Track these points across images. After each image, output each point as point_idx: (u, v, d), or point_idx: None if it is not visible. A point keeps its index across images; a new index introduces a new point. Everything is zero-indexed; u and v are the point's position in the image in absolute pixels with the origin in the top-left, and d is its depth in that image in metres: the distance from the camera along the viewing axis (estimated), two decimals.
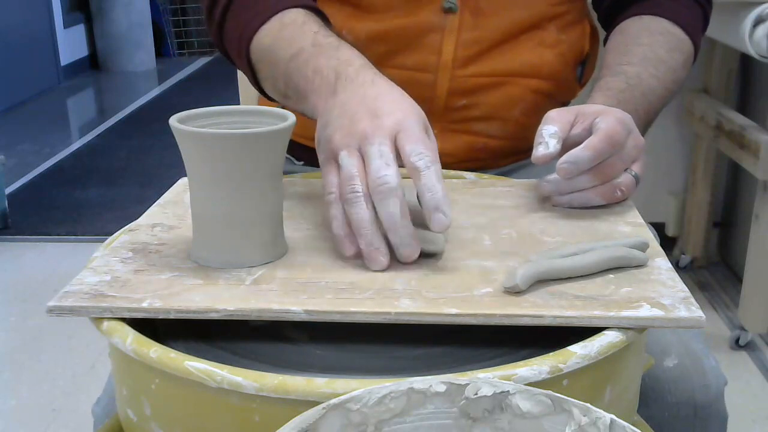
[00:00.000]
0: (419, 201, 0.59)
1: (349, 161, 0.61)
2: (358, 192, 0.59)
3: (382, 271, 0.59)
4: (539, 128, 0.71)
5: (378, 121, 0.62)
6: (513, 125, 0.92)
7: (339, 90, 0.67)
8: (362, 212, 0.59)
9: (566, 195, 0.71)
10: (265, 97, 0.84)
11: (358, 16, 0.88)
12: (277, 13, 0.78)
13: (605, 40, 0.94)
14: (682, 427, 0.77)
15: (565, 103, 0.98)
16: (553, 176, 0.71)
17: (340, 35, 0.85)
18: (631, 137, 0.71)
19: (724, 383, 0.80)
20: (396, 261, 0.60)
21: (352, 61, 0.69)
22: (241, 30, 0.80)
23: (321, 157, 0.65)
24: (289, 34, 0.75)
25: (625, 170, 0.71)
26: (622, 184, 0.71)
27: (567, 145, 0.70)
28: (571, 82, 0.96)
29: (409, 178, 0.60)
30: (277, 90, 0.78)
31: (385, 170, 0.59)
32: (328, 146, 0.64)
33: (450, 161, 0.90)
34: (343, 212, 0.61)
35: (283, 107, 0.78)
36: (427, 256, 0.61)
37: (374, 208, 0.59)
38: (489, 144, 0.93)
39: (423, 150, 0.60)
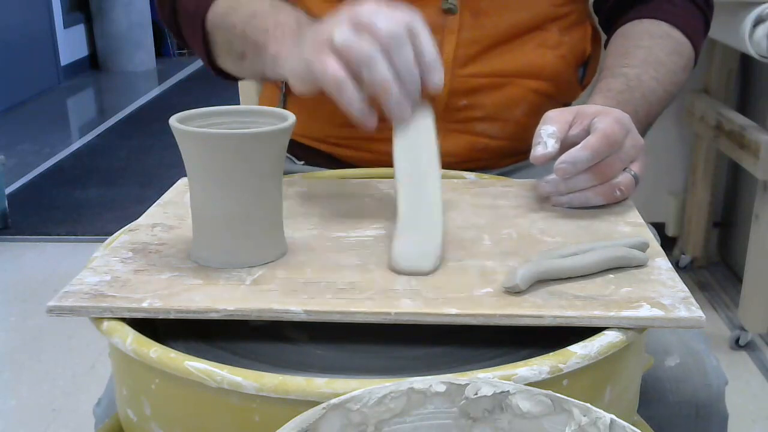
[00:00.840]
0: (416, 59, 0.61)
1: (349, 34, 0.61)
2: (376, 50, 0.60)
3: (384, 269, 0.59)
4: (538, 128, 0.71)
5: (356, 6, 0.63)
6: (514, 126, 0.92)
7: (303, 30, 0.69)
8: (384, 71, 0.60)
9: (566, 195, 0.71)
10: (216, 72, 0.87)
11: None
12: None
13: (606, 43, 0.94)
14: (684, 426, 0.77)
15: (566, 105, 0.98)
16: (552, 176, 0.71)
17: None
18: (630, 137, 0.71)
19: (725, 383, 0.80)
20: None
21: (309, 16, 0.73)
22: (196, 2, 0.83)
23: (306, 67, 0.65)
24: (246, 1, 0.79)
25: (625, 170, 0.71)
26: (622, 184, 0.71)
27: (566, 145, 0.70)
28: (572, 83, 0.96)
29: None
30: (233, 53, 0.81)
31: (392, 22, 0.60)
32: (313, 45, 0.64)
33: (451, 161, 0.90)
34: (356, 88, 0.62)
35: (230, 77, 0.85)
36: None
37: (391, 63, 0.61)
38: (490, 144, 0.93)
39: (411, 12, 0.62)
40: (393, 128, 0.67)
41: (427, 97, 0.90)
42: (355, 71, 0.62)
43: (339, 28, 0.62)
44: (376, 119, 0.63)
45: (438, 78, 0.63)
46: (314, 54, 0.64)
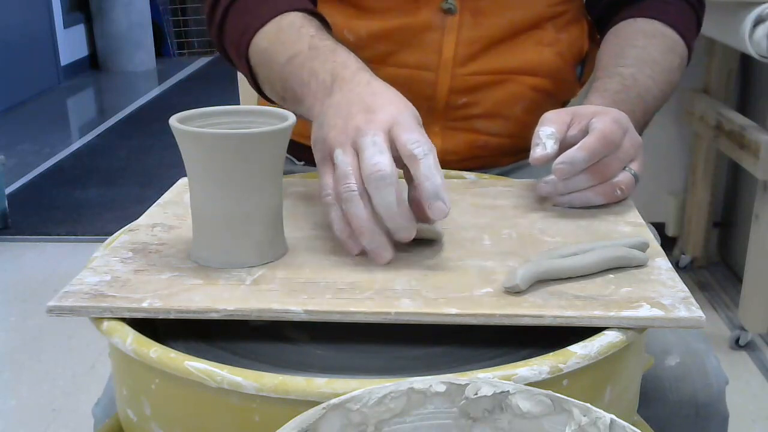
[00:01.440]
0: (418, 190, 0.59)
1: (344, 159, 0.60)
2: (354, 190, 0.59)
3: (386, 264, 0.59)
4: (536, 129, 0.72)
5: (371, 116, 0.62)
6: (514, 123, 0.92)
7: (335, 91, 0.67)
8: (359, 210, 0.59)
9: (566, 195, 0.72)
10: (265, 98, 0.84)
11: (359, 15, 0.89)
12: (275, 16, 0.78)
13: (599, 43, 0.94)
14: (684, 426, 0.77)
15: (565, 102, 0.98)
16: (551, 177, 0.71)
17: (341, 34, 0.85)
18: (628, 136, 0.71)
19: (726, 382, 0.80)
20: (396, 261, 0.60)
21: (348, 64, 0.69)
22: (240, 32, 0.80)
23: (317, 158, 0.65)
24: (286, 38, 0.76)
25: (624, 169, 0.71)
26: (622, 183, 0.71)
27: (564, 145, 0.70)
28: (570, 81, 0.96)
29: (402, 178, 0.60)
30: (275, 92, 0.79)
31: (378, 157, 0.58)
32: (323, 146, 0.64)
33: (451, 159, 0.90)
34: (342, 213, 0.60)
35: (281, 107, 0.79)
36: (426, 243, 0.61)
37: (371, 202, 0.59)
38: (490, 142, 0.93)
39: (419, 138, 0.59)
40: None
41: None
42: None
43: (339, 148, 0.61)
44: (358, 247, 0.60)
45: (438, 209, 0.58)
46: (321, 160, 0.64)
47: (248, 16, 0.80)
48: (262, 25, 0.78)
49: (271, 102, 0.83)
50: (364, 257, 0.61)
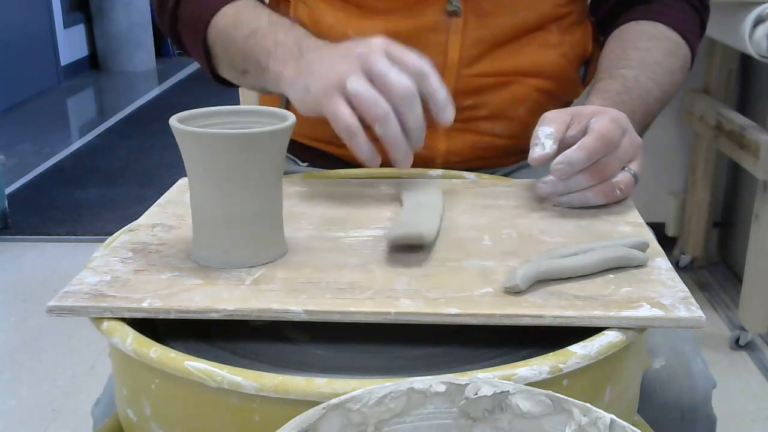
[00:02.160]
0: (430, 100, 0.67)
1: (364, 86, 0.65)
2: (387, 109, 0.65)
3: (385, 264, 0.59)
4: (535, 130, 0.72)
5: (367, 44, 0.67)
6: (518, 124, 0.92)
7: (305, 53, 0.72)
8: (396, 127, 0.65)
9: (566, 195, 0.71)
10: (217, 80, 0.88)
11: (364, 16, 0.89)
12: (230, 1, 0.84)
13: (602, 44, 0.94)
14: (670, 429, 0.76)
15: (568, 103, 0.98)
16: (550, 177, 0.71)
17: (345, 33, 0.86)
18: (627, 136, 0.71)
19: (713, 386, 0.79)
20: (396, 261, 0.60)
21: (309, 36, 0.75)
22: (197, 14, 0.85)
23: (311, 105, 0.69)
24: (245, 16, 0.81)
25: (623, 169, 0.71)
26: (621, 183, 0.71)
27: (563, 146, 0.70)
28: (574, 82, 0.96)
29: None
30: (234, 67, 0.82)
31: (402, 77, 0.65)
32: (326, 82, 0.67)
33: (456, 160, 0.90)
34: (367, 137, 0.66)
35: (230, 84, 0.87)
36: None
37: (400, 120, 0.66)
38: (494, 143, 0.93)
39: (419, 57, 0.66)
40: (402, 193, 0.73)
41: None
42: (367, 121, 0.66)
43: (353, 76, 0.65)
44: (379, 160, 0.68)
45: (449, 115, 0.68)
46: (325, 95, 0.67)
47: (203, 3, 0.85)
48: (220, 7, 0.83)
49: (227, 84, 0.88)
50: (362, 258, 0.61)
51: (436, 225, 0.65)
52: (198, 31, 0.84)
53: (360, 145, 0.67)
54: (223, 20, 0.82)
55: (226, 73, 0.85)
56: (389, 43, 0.68)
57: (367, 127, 0.67)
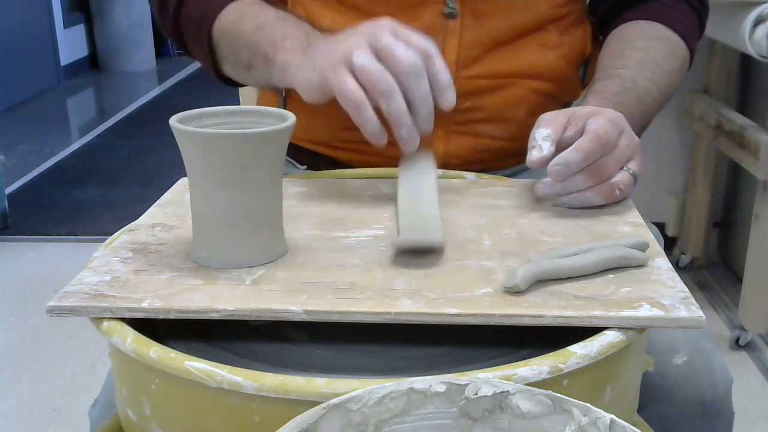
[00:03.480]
0: (433, 81, 0.66)
1: (370, 60, 0.65)
2: (394, 85, 0.64)
3: (386, 263, 0.59)
4: (532, 132, 0.72)
5: (374, 23, 0.68)
6: (516, 126, 0.92)
7: (312, 42, 0.72)
8: (401, 103, 0.65)
9: (565, 196, 0.72)
10: (220, 79, 0.87)
11: (361, 18, 0.88)
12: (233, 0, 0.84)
13: (601, 45, 0.94)
14: (691, 424, 0.77)
15: (568, 104, 0.98)
16: (549, 179, 0.71)
17: None
18: (624, 136, 0.71)
19: (731, 382, 0.80)
20: (396, 261, 0.60)
21: (316, 30, 0.76)
22: (202, 11, 0.84)
23: (321, 78, 0.68)
24: (252, 12, 0.81)
25: (622, 169, 0.71)
26: (621, 183, 0.71)
27: (561, 147, 0.70)
28: (573, 83, 0.96)
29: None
30: (239, 63, 0.82)
31: (409, 52, 0.65)
32: (331, 59, 0.67)
33: (455, 163, 0.90)
34: (371, 111, 0.65)
35: (240, 85, 0.88)
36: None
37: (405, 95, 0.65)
38: (493, 145, 0.93)
39: (424, 38, 0.66)
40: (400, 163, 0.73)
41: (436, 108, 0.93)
42: (372, 96, 0.66)
43: (359, 51, 0.65)
44: (386, 137, 0.67)
45: (451, 98, 0.67)
46: (331, 69, 0.67)
47: (206, 3, 0.85)
48: (223, 6, 0.83)
49: (229, 83, 0.88)
50: (362, 258, 0.61)
51: (439, 222, 0.64)
52: (202, 30, 0.84)
53: (366, 118, 0.66)
54: (228, 17, 0.82)
55: (230, 70, 0.85)
56: (395, 23, 0.68)
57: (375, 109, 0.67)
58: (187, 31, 0.87)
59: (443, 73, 0.67)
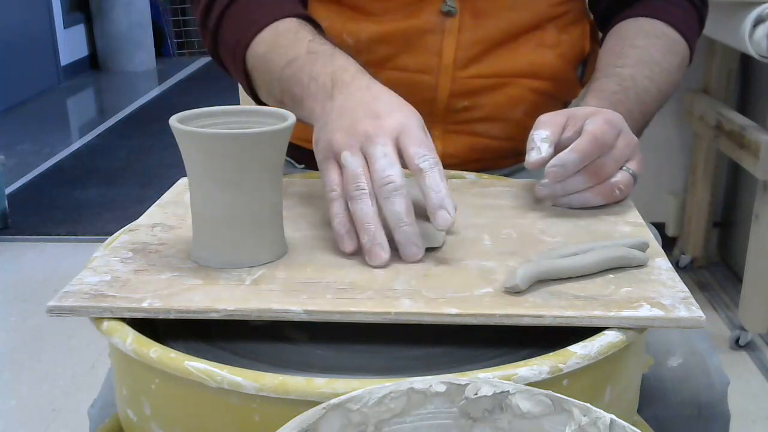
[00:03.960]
0: (424, 200, 0.61)
1: (353, 160, 0.62)
2: (364, 189, 0.61)
3: (382, 267, 0.59)
4: (531, 133, 0.72)
5: (379, 122, 0.63)
6: (515, 126, 0.92)
7: (336, 94, 0.68)
8: (366, 207, 0.60)
9: (565, 196, 0.72)
10: (260, 104, 0.84)
11: (358, 18, 0.88)
12: (272, 22, 0.79)
13: (601, 42, 0.94)
14: (686, 426, 0.77)
15: (566, 103, 0.98)
16: (548, 180, 0.71)
17: (340, 38, 0.84)
18: (622, 136, 0.71)
19: (728, 383, 0.80)
20: (396, 260, 0.60)
21: (347, 67, 0.71)
22: (236, 39, 0.81)
23: (319, 157, 0.66)
24: (284, 42, 0.77)
25: (622, 169, 0.71)
26: (620, 183, 0.71)
27: (560, 148, 0.70)
28: (572, 81, 0.96)
29: (410, 176, 0.61)
30: (273, 96, 0.79)
31: (390, 169, 0.60)
32: (328, 146, 0.65)
33: (452, 162, 0.90)
34: (345, 209, 0.62)
35: None
36: (427, 250, 0.61)
37: (378, 206, 0.61)
38: (491, 145, 0.93)
39: (426, 152, 0.62)
40: None
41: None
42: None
43: (347, 151, 0.63)
44: (353, 245, 0.61)
45: (441, 219, 0.60)
46: (324, 158, 0.65)
47: (244, 22, 0.81)
48: (259, 31, 0.79)
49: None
50: (362, 258, 0.61)
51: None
52: (236, 58, 0.81)
53: (334, 213, 0.62)
54: (260, 47, 0.79)
55: (265, 99, 0.82)
56: (407, 126, 0.63)
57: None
58: (224, 56, 0.85)
59: (434, 193, 0.60)
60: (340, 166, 0.63)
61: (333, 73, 0.70)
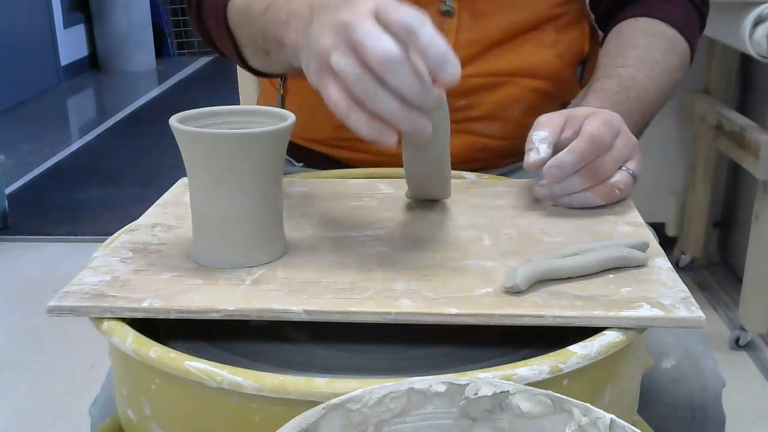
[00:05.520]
0: (424, 60, 0.56)
1: (346, 61, 0.57)
2: (370, 87, 0.56)
3: (385, 263, 0.59)
4: (530, 134, 0.72)
5: (353, 8, 0.58)
6: (513, 125, 0.92)
7: (314, 18, 0.64)
8: (388, 103, 0.56)
9: (565, 197, 0.72)
10: (251, 71, 0.83)
11: None
12: None
13: (601, 42, 0.94)
14: (680, 428, 0.77)
15: (565, 103, 0.98)
16: (546, 180, 0.71)
17: None
18: (621, 136, 0.71)
19: (722, 385, 0.79)
20: (396, 261, 0.60)
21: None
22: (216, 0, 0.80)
23: (313, 79, 0.61)
24: None
25: (621, 169, 0.71)
26: (620, 183, 0.71)
27: (558, 148, 0.70)
28: (571, 82, 0.96)
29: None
30: (258, 49, 0.77)
31: (381, 42, 0.55)
32: (317, 59, 0.60)
33: (451, 162, 0.90)
34: (364, 114, 0.57)
35: (265, 74, 0.82)
36: (427, 239, 0.61)
37: (389, 86, 0.56)
38: (489, 144, 0.93)
39: (409, 12, 0.56)
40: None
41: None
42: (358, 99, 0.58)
43: (336, 51, 0.58)
44: (394, 136, 0.58)
45: (450, 70, 0.56)
46: (317, 76, 0.60)
47: None
48: None
49: (258, 74, 0.83)
50: (362, 258, 0.61)
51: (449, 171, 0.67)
52: (219, 17, 0.80)
53: (357, 125, 0.58)
54: (240, 0, 0.78)
55: (253, 60, 0.80)
56: (380, 2, 0.58)
57: None
58: (209, 25, 0.84)
59: (433, 47, 0.55)
60: (336, 75, 0.58)
61: (310, 2, 0.66)
